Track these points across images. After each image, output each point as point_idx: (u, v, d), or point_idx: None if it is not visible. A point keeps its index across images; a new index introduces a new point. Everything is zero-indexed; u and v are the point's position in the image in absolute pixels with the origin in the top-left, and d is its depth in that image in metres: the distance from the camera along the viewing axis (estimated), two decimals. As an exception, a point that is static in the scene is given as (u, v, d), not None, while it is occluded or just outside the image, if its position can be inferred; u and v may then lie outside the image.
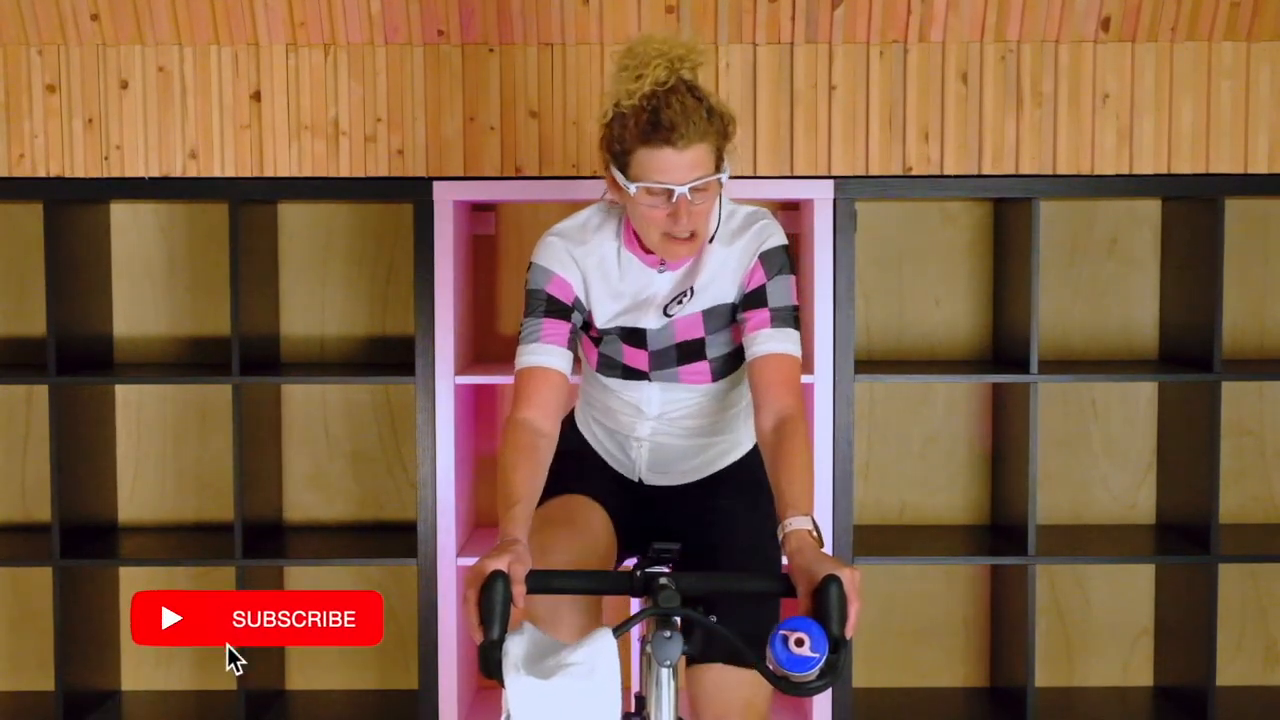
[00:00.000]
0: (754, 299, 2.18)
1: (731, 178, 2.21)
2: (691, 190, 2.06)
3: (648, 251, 2.20)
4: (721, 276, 2.21)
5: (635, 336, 2.24)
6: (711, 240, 2.19)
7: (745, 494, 2.33)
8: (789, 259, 2.20)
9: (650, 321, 2.23)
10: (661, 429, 2.33)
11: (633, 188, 2.08)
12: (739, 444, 2.41)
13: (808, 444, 2.09)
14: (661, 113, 2.03)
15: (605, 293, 2.23)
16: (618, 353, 2.26)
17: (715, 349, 2.24)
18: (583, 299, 2.22)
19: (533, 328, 2.18)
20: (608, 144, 2.13)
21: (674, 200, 2.06)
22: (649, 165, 2.06)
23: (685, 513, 2.36)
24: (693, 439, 2.35)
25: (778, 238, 2.21)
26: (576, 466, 2.38)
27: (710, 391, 2.29)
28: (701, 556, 2.22)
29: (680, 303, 2.22)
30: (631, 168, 2.08)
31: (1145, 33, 3.28)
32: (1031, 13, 3.25)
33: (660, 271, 2.22)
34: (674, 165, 2.05)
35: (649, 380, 2.27)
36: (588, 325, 2.27)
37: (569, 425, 2.43)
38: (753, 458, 2.35)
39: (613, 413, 2.36)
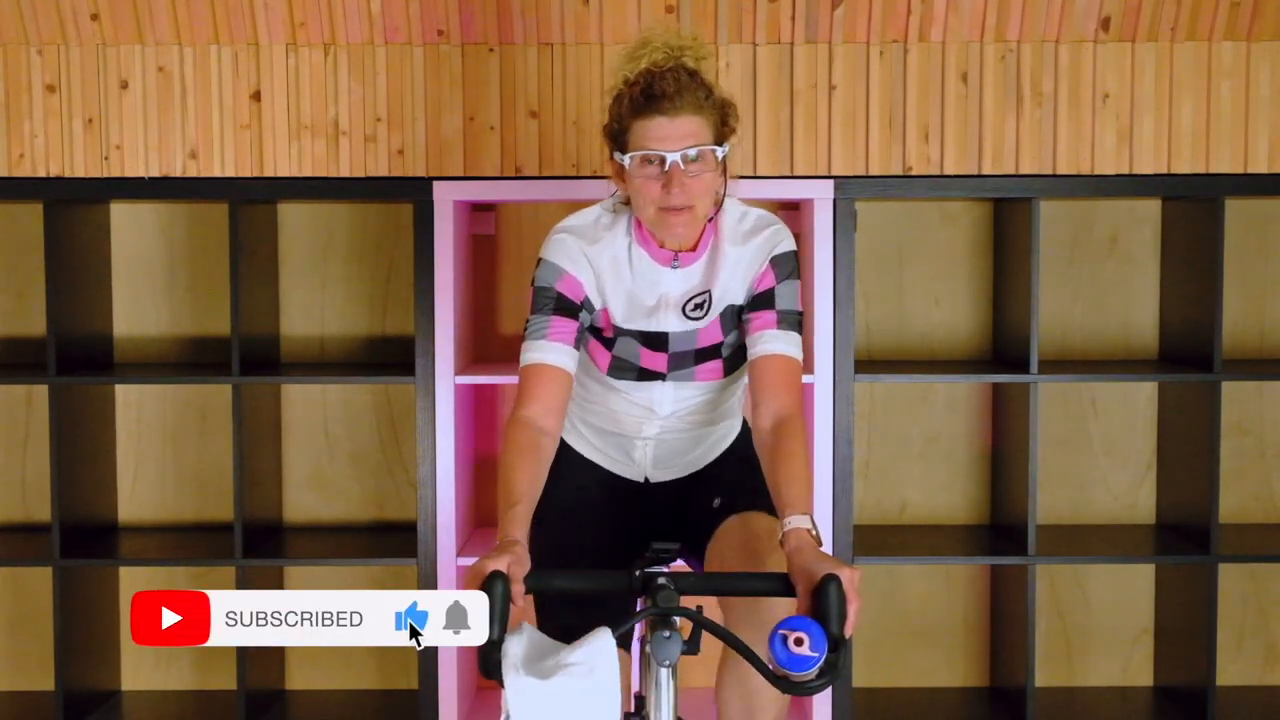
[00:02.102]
0: (762, 300, 2.19)
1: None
2: (685, 160, 2.07)
3: (660, 247, 2.20)
4: (734, 278, 2.21)
5: (655, 340, 2.24)
6: (711, 222, 2.19)
7: (744, 467, 2.34)
8: (798, 265, 2.22)
9: (671, 324, 2.23)
10: (670, 426, 2.34)
11: (628, 159, 2.10)
12: (733, 428, 2.44)
13: (806, 444, 2.10)
14: (655, 84, 2.08)
15: (619, 291, 2.22)
16: (634, 355, 2.25)
17: (729, 348, 2.26)
18: (593, 298, 2.21)
19: (540, 324, 2.16)
20: (607, 127, 2.16)
21: (667, 168, 2.07)
22: (643, 135, 2.08)
23: (687, 503, 2.38)
24: (696, 430, 2.36)
25: (789, 243, 2.22)
26: (567, 527, 2.33)
27: (718, 384, 2.30)
28: (706, 537, 2.25)
29: (701, 307, 2.22)
30: (629, 144, 2.10)
31: (1145, 33, 3.28)
32: (1031, 13, 3.25)
33: (673, 268, 2.21)
34: (666, 133, 2.07)
35: (664, 380, 2.27)
36: (595, 327, 2.26)
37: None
38: (745, 437, 2.41)
39: (616, 415, 2.35)
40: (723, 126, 2.14)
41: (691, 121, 2.08)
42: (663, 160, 2.07)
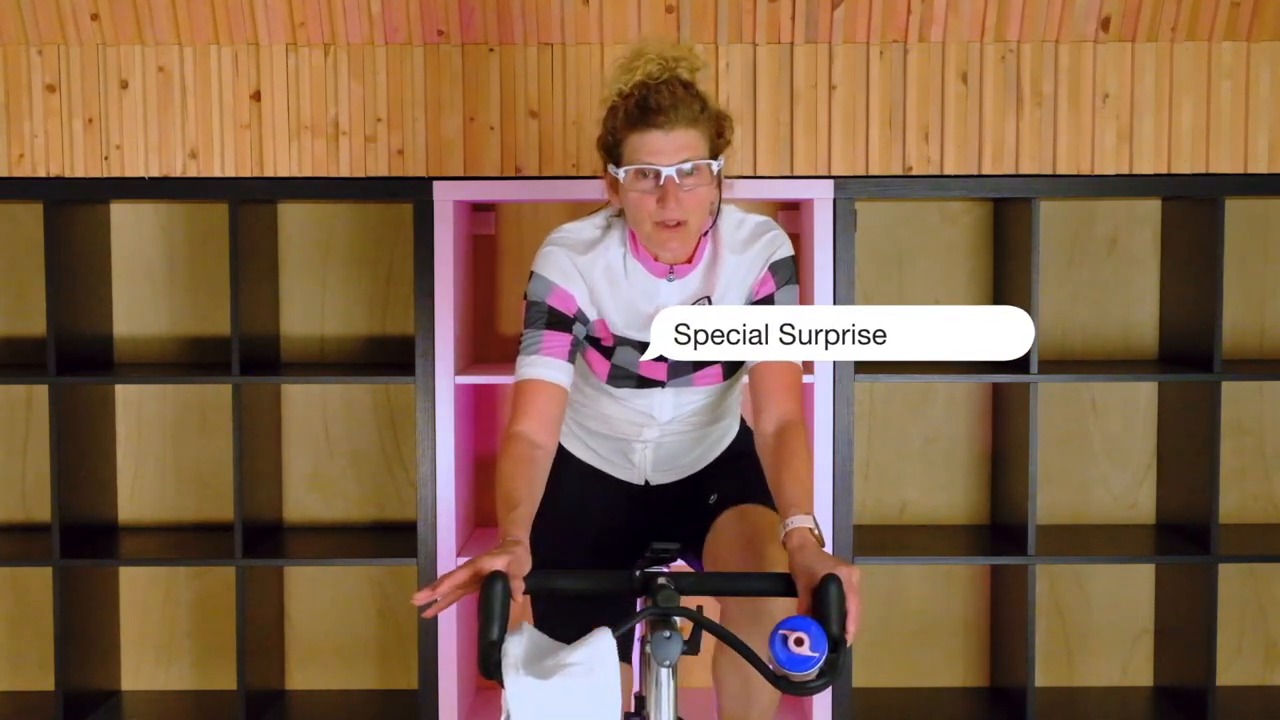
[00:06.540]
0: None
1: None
2: (680, 174, 2.06)
3: (655, 259, 2.20)
4: (733, 285, 2.21)
5: None
6: (706, 234, 2.19)
7: (743, 463, 2.34)
8: (796, 270, 2.23)
9: None
10: (670, 430, 2.34)
11: (622, 173, 2.09)
12: (732, 427, 2.45)
13: (808, 449, 2.11)
14: (650, 98, 2.07)
15: (615, 301, 2.22)
16: (633, 363, 2.25)
17: None
18: (587, 310, 2.20)
19: (533, 339, 2.16)
20: (602, 139, 2.15)
21: (661, 182, 2.06)
22: (638, 149, 2.08)
23: (687, 506, 2.38)
24: (696, 431, 2.37)
25: (787, 249, 2.22)
26: (566, 534, 2.33)
27: (718, 388, 2.30)
28: (705, 535, 2.26)
29: None
30: (623, 157, 2.10)
31: (1145, 33, 3.28)
32: (1031, 13, 3.25)
33: (669, 281, 2.21)
34: (661, 147, 2.06)
35: (663, 387, 2.27)
36: (593, 337, 2.25)
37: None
38: (744, 436, 2.42)
39: (614, 421, 2.35)
40: (717, 139, 2.13)
41: (687, 135, 2.07)
42: (658, 174, 2.07)
